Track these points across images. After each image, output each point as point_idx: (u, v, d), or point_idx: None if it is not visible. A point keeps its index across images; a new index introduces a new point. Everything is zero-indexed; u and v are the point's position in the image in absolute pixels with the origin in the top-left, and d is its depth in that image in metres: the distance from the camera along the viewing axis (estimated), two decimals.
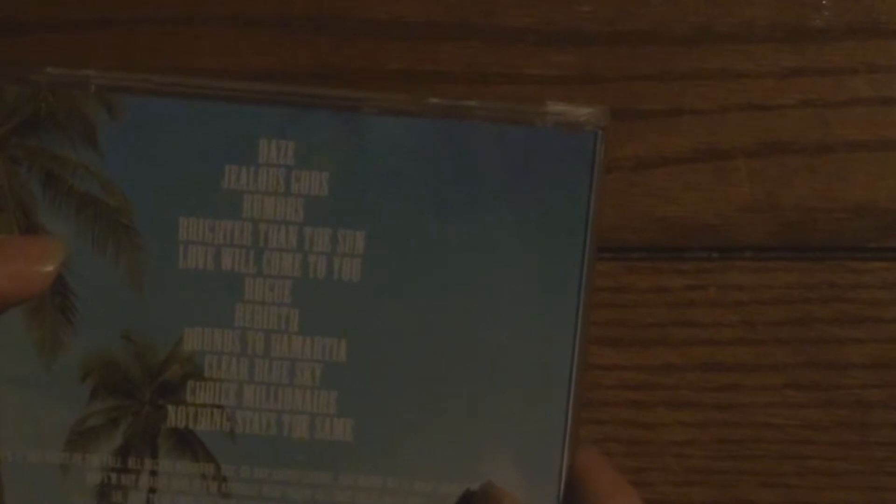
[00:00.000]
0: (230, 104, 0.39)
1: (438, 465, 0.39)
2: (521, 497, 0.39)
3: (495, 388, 0.39)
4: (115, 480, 0.40)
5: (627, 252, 0.46)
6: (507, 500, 0.39)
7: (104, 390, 0.39)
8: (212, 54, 0.46)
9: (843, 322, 0.46)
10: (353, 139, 0.39)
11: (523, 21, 0.46)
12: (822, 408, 0.46)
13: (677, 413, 0.46)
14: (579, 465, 0.39)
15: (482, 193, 0.39)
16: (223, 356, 0.39)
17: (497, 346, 0.39)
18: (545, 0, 0.46)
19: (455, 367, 0.39)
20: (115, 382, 0.39)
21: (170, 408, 0.40)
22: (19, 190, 0.39)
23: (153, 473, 0.40)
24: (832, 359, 0.46)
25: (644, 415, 0.46)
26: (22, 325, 0.39)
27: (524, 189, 0.39)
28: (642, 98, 0.46)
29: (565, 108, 0.39)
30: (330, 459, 0.39)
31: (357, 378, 0.39)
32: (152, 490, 0.40)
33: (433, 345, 0.39)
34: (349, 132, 0.39)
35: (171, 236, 0.39)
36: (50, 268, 0.38)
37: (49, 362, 0.39)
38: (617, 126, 0.46)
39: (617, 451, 0.46)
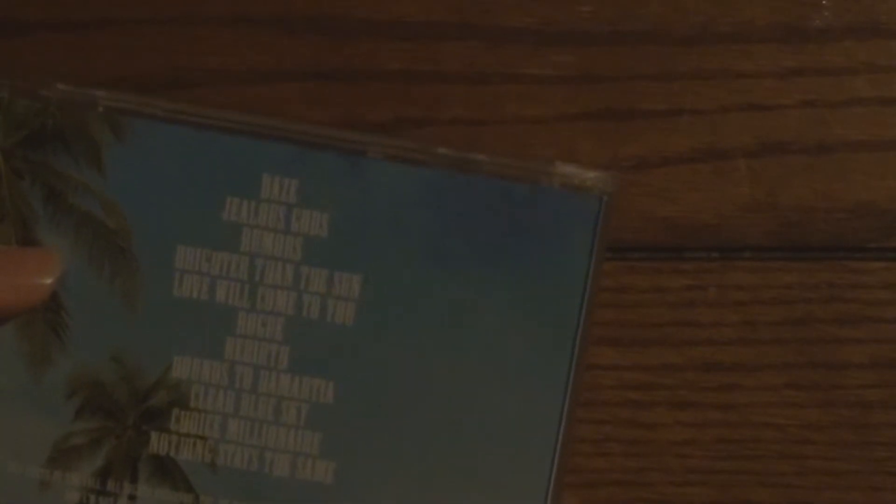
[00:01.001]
0: (237, 136, 0.39)
1: None
2: None
3: (480, 441, 0.39)
4: (93, 501, 0.39)
5: (627, 252, 0.46)
6: None
7: (89, 410, 0.39)
8: (212, 54, 0.46)
9: (843, 322, 0.46)
10: (357, 182, 0.39)
11: (523, 21, 0.46)
12: (822, 408, 0.46)
13: (677, 413, 0.46)
14: None
15: (482, 247, 0.39)
16: (210, 387, 0.39)
17: (485, 399, 0.39)
18: (545, 0, 0.46)
19: (440, 418, 0.39)
20: (101, 403, 0.39)
21: (153, 434, 0.39)
22: (20, 203, 0.39)
23: (131, 498, 0.39)
24: (832, 359, 0.46)
25: (644, 415, 0.46)
26: (12, 338, 0.39)
27: (524, 247, 0.39)
28: (642, 98, 0.46)
29: (573, 169, 0.39)
30: (309, 501, 0.39)
31: (342, 421, 0.39)
32: None
33: (420, 393, 0.39)
34: (354, 175, 0.39)
35: (168, 263, 0.39)
36: (48, 280, 0.38)
37: (36, 377, 0.39)
38: (617, 126, 0.46)
39: (617, 451, 0.46)
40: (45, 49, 0.46)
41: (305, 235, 0.39)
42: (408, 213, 0.39)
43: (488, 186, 0.39)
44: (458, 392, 0.39)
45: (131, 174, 0.39)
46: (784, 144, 0.46)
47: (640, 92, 0.46)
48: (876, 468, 0.47)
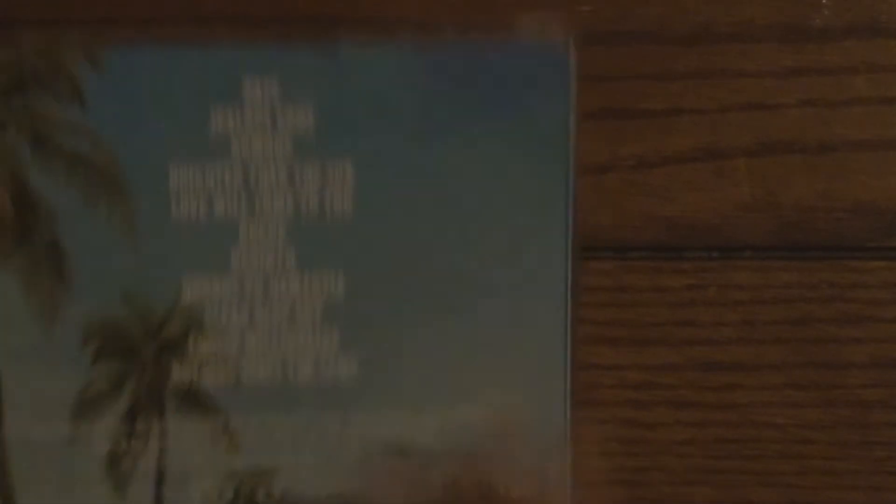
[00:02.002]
0: (212, 46, 0.39)
1: (444, 394, 0.39)
2: (528, 414, 0.39)
3: (492, 311, 0.39)
4: (123, 446, 0.39)
5: (627, 252, 0.46)
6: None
7: (106, 353, 0.39)
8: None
9: (843, 322, 0.46)
10: (334, 71, 0.39)
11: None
12: (822, 408, 0.46)
13: (677, 413, 0.46)
14: None
15: (464, 114, 0.39)
16: (223, 304, 0.39)
17: (491, 267, 0.39)
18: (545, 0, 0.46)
19: (449, 296, 0.39)
20: (117, 344, 0.39)
21: (174, 364, 0.39)
22: (7, 154, 0.39)
23: (162, 434, 0.39)
24: (832, 359, 0.46)
25: (644, 415, 0.46)
26: (18, 295, 0.39)
27: (504, 104, 0.39)
28: (642, 98, 0.46)
29: (534, 19, 0.39)
30: (337, 399, 0.39)
31: (357, 314, 0.39)
32: (162, 451, 0.39)
33: (428, 273, 0.39)
34: (330, 65, 0.39)
35: (163, 186, 0.39)
36: None
37: (48, 330, 0.39)
38: (617, 126, 0.46)
39: (617, 451, 0.46)
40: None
41: (293, 131, 0.39)
42: (386, 91, 0.39)
43: (458, 52, 0.39)
44: (462, 264, 0.39)
45: (114, 103, 0.39)
46: (784, 144, 0.46)
47: (640, 92, 0.46)
48: (876, 468, 0.47)
